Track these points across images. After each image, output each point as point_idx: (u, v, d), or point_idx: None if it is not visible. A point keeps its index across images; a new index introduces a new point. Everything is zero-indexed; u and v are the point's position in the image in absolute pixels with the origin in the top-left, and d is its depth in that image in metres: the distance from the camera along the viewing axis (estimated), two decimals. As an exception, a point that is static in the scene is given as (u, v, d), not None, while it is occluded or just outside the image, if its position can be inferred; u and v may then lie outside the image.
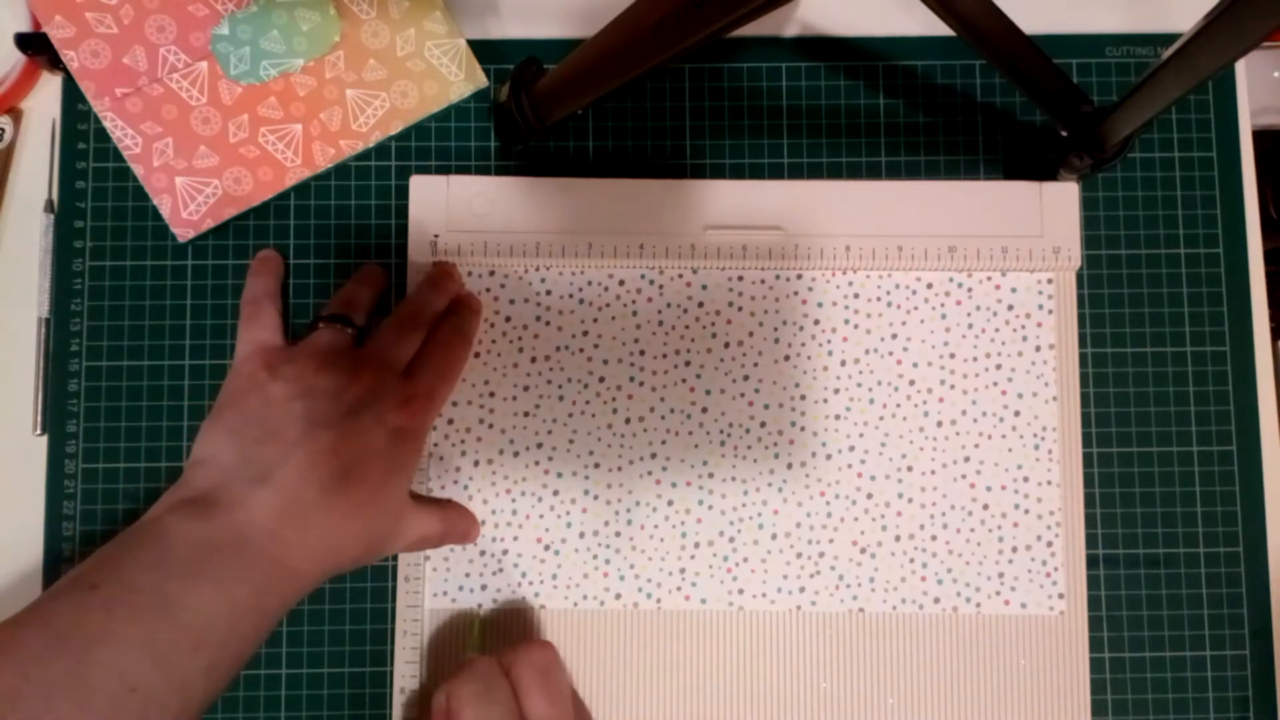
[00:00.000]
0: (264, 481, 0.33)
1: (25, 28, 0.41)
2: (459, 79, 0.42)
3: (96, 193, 0.42)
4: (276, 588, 0.32)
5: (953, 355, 0.41)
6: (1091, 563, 0.40)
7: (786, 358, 0.41)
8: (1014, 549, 0.40)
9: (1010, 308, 0.41)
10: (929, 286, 0.41)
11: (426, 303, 0.39)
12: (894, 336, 0.41)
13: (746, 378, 0.41)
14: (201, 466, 0.34)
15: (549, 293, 0.41)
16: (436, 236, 0.41)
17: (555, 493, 0.41)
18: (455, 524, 0.39)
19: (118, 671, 0.28)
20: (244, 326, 0.38)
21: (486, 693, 0.34)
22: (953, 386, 0.41)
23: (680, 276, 0.41)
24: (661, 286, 0.41)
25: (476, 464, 0.41)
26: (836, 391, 0.41)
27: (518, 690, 0.35)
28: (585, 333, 0.41)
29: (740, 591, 0.40)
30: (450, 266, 0.41)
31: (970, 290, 0.41)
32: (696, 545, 0.40)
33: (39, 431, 0.41)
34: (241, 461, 0.33)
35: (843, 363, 0.41)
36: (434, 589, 0.40)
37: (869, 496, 0.40)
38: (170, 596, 0.30)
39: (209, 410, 0.36)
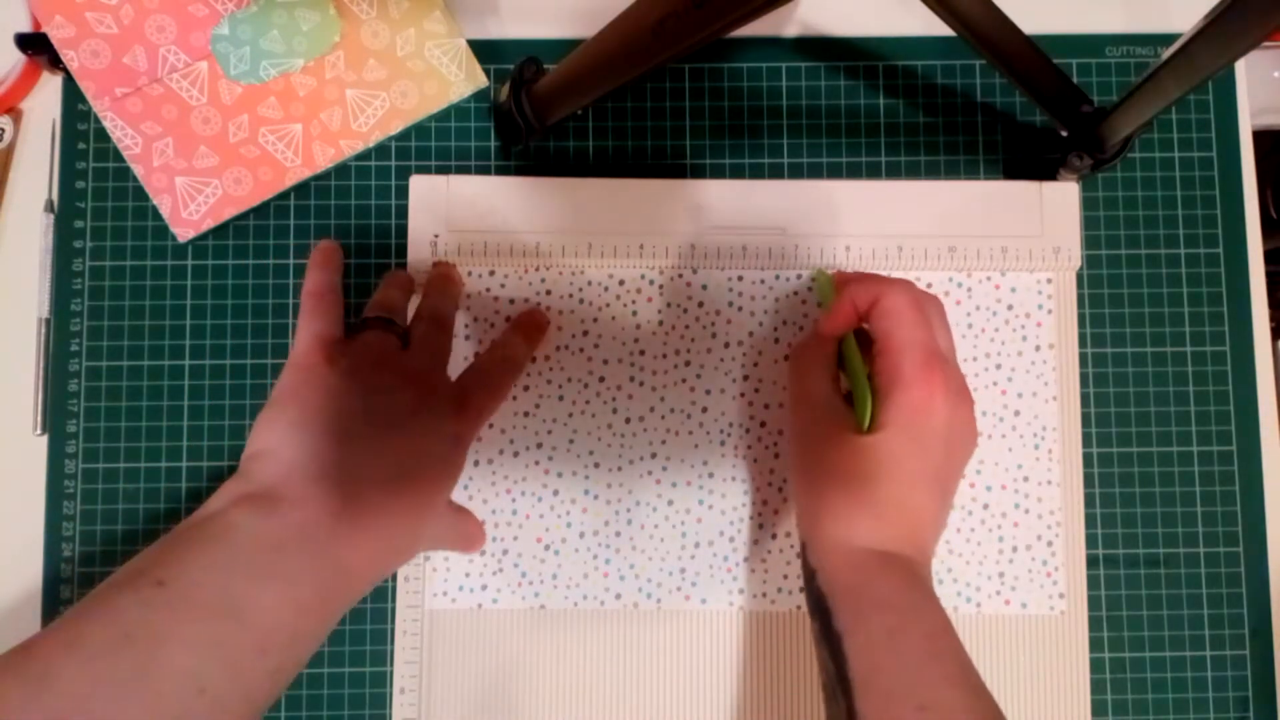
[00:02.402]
0: (328, 479, 0.32)
1: (25, 28, 0.41)
2: (459, 79, 0.42)
3: (96, 193, 0.42)
4: (339, 589, 0.32)
5: (953, 355, 0.41)
6: (1091, 563, 0.40)
7: (786, 358, 0.41)
8: (1014, 549, 0.40)
9: (1010, 308, 0.41)
10: (929, 286, 0.41)
11: (440, 310, 0.39)
12: (894, 336, 0.41)
13: (746, 378, 0.41)
14: (263, 460, 0.33)
15: (549, 293, 0.41)
16: (436, 236, 0.41)
17: (555, 493, 0.41)
18: (464, 530, 0.39)
19: (188, 673, 0.27)
20: (305, 318, 0.37)
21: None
22: (953, 386, 0.41)
23: (680, 276, 0.41)
24: (661, 286, 0.41)
25: (476, 464, 0.41)
26: (836, 391, 0.41)
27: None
28: (585, 333, 0.41)
29: (740, 591, 0.40)
30: (449, 268, 0.41)
31: (970, 290, 0.41)
32: (696, 545, 0.40)
33: (39, 431, 0.41)
34: (306, 456, 0.33)
35: (843, 363, 0.41)
36: (434, 589, 0.40)
37: (869, 496, 0.40)
38: (238, 597, 0.29)
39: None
